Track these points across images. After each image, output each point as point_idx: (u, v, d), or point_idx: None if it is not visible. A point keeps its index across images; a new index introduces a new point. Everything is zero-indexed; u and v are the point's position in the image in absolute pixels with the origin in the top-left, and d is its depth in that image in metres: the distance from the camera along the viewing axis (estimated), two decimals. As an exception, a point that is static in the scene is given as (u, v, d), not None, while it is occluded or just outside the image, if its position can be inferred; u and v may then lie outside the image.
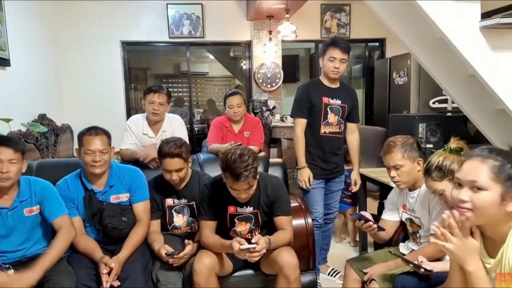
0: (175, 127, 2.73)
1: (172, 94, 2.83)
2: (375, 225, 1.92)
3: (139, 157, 2.45)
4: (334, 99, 2.61)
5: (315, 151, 2.63)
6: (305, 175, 2.59)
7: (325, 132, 2.61)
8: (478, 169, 1.20)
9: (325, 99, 2.60)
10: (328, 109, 2.61)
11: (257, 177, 1.89)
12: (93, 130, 2.04)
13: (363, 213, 1.97)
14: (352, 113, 2.69)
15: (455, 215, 1.19)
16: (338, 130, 2.65)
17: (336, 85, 2.65)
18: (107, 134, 2.08)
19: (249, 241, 1.83)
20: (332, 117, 2.62)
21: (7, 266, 1.79)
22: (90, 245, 1.98)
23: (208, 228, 1.99)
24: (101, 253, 1.94)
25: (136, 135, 2.66)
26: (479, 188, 1.18)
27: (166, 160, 2.06)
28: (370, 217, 1.93)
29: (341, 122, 2.64)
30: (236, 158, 1.79)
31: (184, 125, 2.81)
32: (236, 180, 1.80)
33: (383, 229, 1.97)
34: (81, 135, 2.04)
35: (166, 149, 2.06)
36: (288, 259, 1.87)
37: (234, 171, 1.78)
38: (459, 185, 1.23)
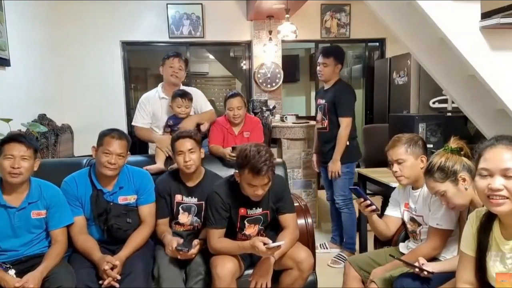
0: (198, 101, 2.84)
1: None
2: (374, 206, 1.95)
3: (156, 142, 2.60)
4: (323, 100, 3.16)
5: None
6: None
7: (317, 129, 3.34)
8: (508, 156, 1.20)
9: (318, 101, 3.24)
10: (318, 108, 3.23)
11: (274, 171, 1.90)
12: (116, 133, 2.04)
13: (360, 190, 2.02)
14: (336, 109, 3.04)
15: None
16: (321, 126, 3.20)
17: (328, 86, 3.16)
18: (128, 140, 2.09)
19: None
20: (319, 116, 3.22)
21: (8, 266, 1.80)
22: (89, 245, 1.98)
23: (217, 236, 1.96)
24: (99, 253, 1.93)
25: (149, 111, 2.76)
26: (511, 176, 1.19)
27: (179, 142, 2.11)
28: (368, 198, 1.97)
29: (323, 119, 3.15)
30: (255, 153, 1.81)
31: (203, 96, 2.95)
32: (257, 174, 1.79)
33: (378, 210, 2.00)
34: (103, 136, 2.04)
35: (179, 133, 2.18)
36: (307, 257, 1.96)
37: (255, 165, 1.78)
38: (485, 175, 1.23)
